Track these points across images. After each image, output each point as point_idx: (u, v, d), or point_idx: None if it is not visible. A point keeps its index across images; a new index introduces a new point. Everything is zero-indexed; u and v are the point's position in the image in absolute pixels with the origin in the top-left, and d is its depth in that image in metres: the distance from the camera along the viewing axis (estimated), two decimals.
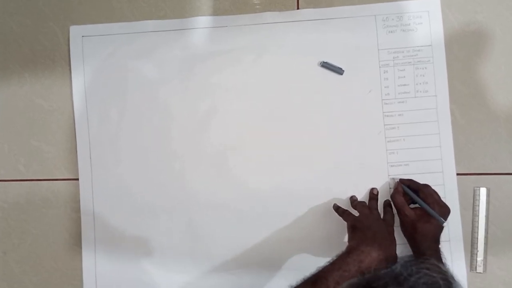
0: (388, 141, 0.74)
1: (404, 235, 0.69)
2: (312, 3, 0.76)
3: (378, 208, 0.71)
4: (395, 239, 0.66)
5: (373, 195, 0.73)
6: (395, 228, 0.69)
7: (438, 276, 0.38)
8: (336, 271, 0.59)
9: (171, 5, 0.79)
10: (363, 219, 0.66)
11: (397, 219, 0.70)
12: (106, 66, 0.79)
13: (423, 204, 0.66)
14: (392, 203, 0.70)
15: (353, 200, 0.73)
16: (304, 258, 0.75)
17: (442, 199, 0.68)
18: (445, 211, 0.66)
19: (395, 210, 0.70)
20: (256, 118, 0.76)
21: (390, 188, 0.74)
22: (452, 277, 0.40)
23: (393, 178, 0.73)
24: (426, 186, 0.69)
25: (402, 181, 0.71)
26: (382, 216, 0.70)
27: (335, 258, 0.62)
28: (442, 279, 0.38)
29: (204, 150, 0.77)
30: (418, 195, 0.68)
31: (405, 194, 0.69)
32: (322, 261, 0.62)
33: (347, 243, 0.66)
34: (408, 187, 0.70)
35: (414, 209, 0.67)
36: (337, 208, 0.72)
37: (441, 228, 0.66)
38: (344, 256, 0.61)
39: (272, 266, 0.75)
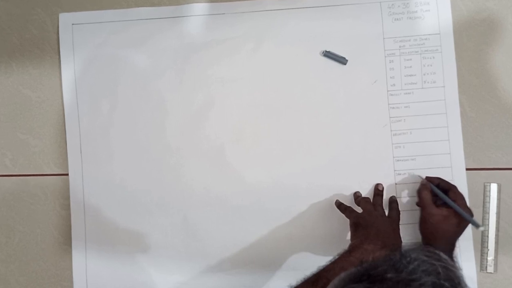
0: (394, 135, 0.73)
1: (421, 233, 0.66)
2: None
3: (383, 205, 0.69)
4: (400, 237, 0.65)
5: (378, 191, 0.71)
6: (400, 226, 0.67)
7: (437, 263, 0.38)
8: (338, 271, 0.57)
9: None
10: (366, 216, 0.65)
11: (401, 216, 0.68)
12: (97, 56, 0.77)
13: (454, 205, 0.63)
14: (417, 198, 0.68)
15: (356, 196, 0.72)
16: (304, 257, 0.73)
17: None
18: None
19: (401, 207, 0.69)
20: (255, 110, 0.75)
21: (395, 184, 0.72)
22: (453, 266, 0.39)
23: (419, 176, 0.71)
24: (455, 187, 0.66)
25: (429, 179, 0.69)
26: (387, 213, 0.69)
27: (336, 257, 0.60)
28: (442, 267, 0.38)
29: (200, 144, 0.75)
30: (447, 196, 0.65)
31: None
32: (323, 260, 0.60)
33: (349, 241, 0.64)
34: (437, 186, 0.67)
35: (440, 209, 0.64)
36: (339, 205, 0.71)
37: (461, 233, 0.64)
38: (346, 255, 0.60)
39: (271, 265, 0.74)
